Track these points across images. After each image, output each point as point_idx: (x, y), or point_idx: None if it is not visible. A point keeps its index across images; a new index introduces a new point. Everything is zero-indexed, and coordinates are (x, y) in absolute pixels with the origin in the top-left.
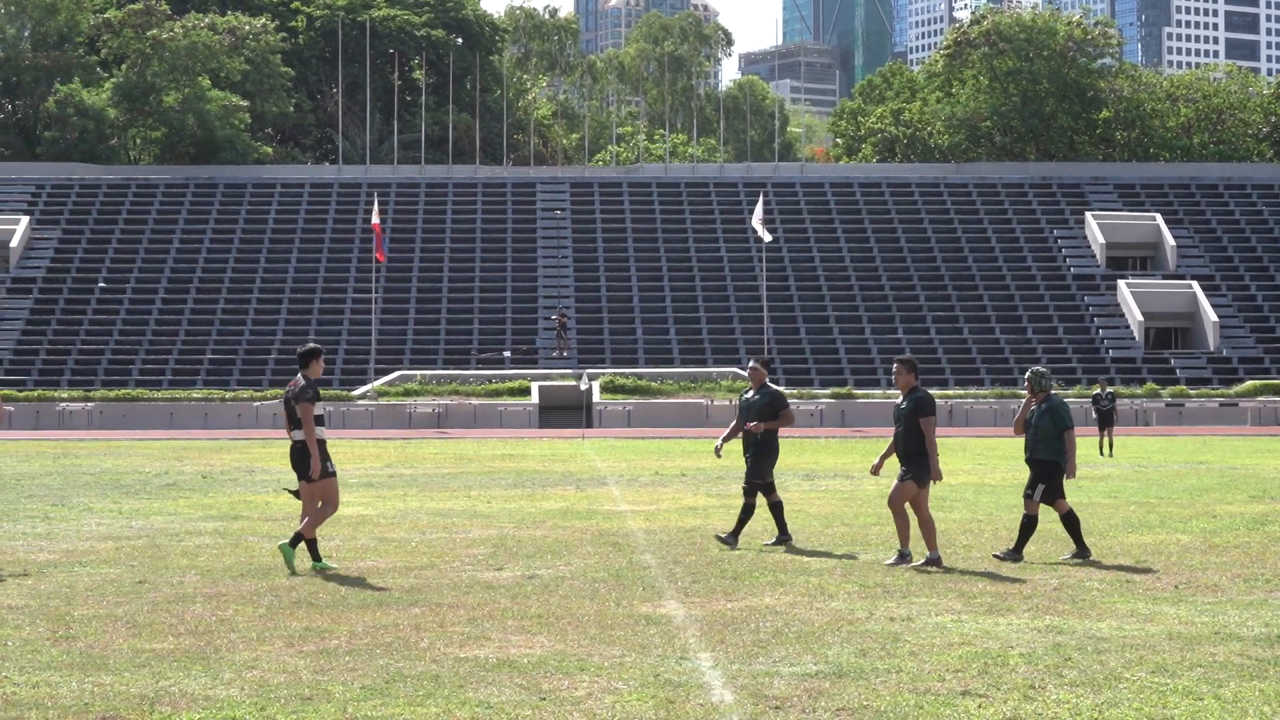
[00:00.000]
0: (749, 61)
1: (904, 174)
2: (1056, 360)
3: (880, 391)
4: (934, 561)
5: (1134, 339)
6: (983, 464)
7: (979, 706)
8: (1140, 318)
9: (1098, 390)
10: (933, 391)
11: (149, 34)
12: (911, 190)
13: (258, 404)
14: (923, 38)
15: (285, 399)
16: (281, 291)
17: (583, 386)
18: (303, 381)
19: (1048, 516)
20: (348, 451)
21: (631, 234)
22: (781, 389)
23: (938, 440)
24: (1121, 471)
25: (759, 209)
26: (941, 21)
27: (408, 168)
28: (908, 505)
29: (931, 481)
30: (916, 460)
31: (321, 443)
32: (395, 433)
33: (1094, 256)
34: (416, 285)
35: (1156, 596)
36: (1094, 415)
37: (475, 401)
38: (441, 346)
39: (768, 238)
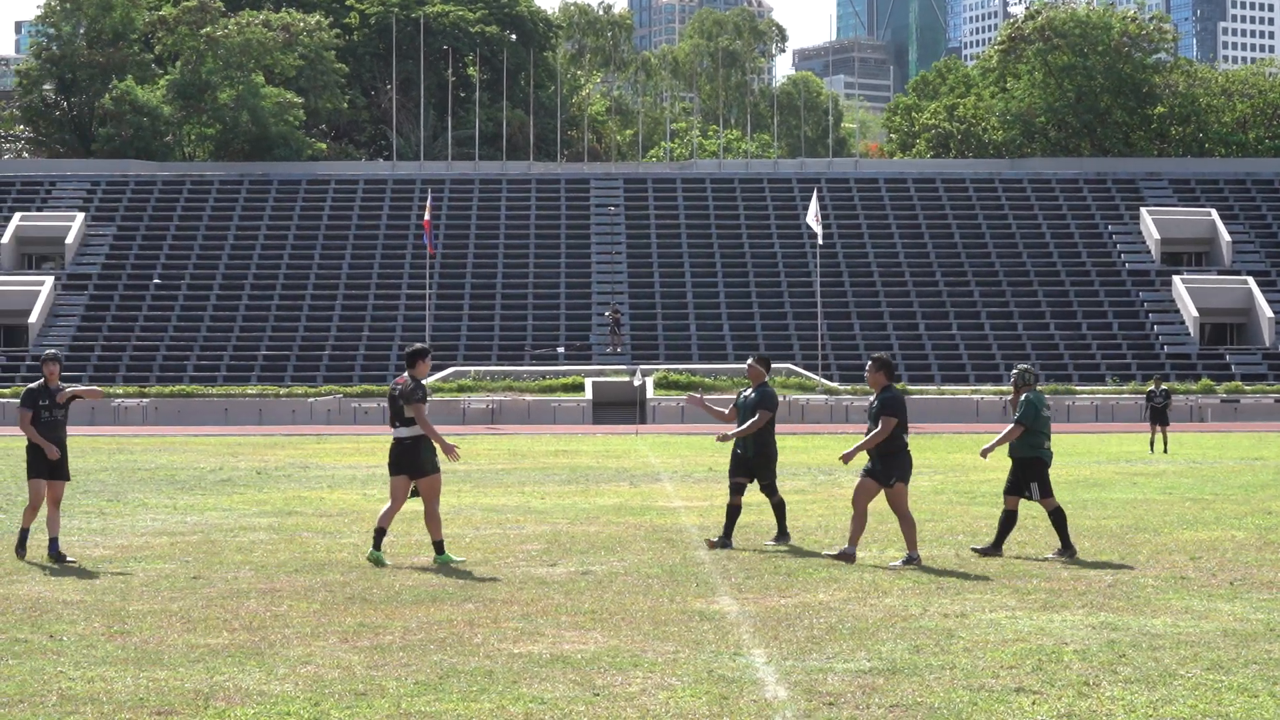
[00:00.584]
0: (803, 57)
1: (958, 169)
2: (1111, 356)
3: (935, 388)
4: (912, 560)
5: (1189, 335)
6: None
7: (1033, 703)
8: (1195, 313)
9: (1152, 387)
10: (988, 388)
11: (204, 31)
12: (966, 186)
13: (312, 400)
14: (977, 33)
15: (391, 396)
16: (336, 288)
17: (636, 382)
18: (410, 381)
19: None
20: None
21: (685, 230)
22: (770, 388)
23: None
24: (1176, 468)
25: (813, 205)
26: (996, 17)
27: (462, 164)
28: (887, 506)
29: (842, 459)
30: (885, 459)
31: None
32: (449, 429)
33: (1149, 252)
34: (471, 281)
35: (1211, 593)
36: (1148, 412)
37: (529, 398)
38: (495, 343)
39: (821, 234)
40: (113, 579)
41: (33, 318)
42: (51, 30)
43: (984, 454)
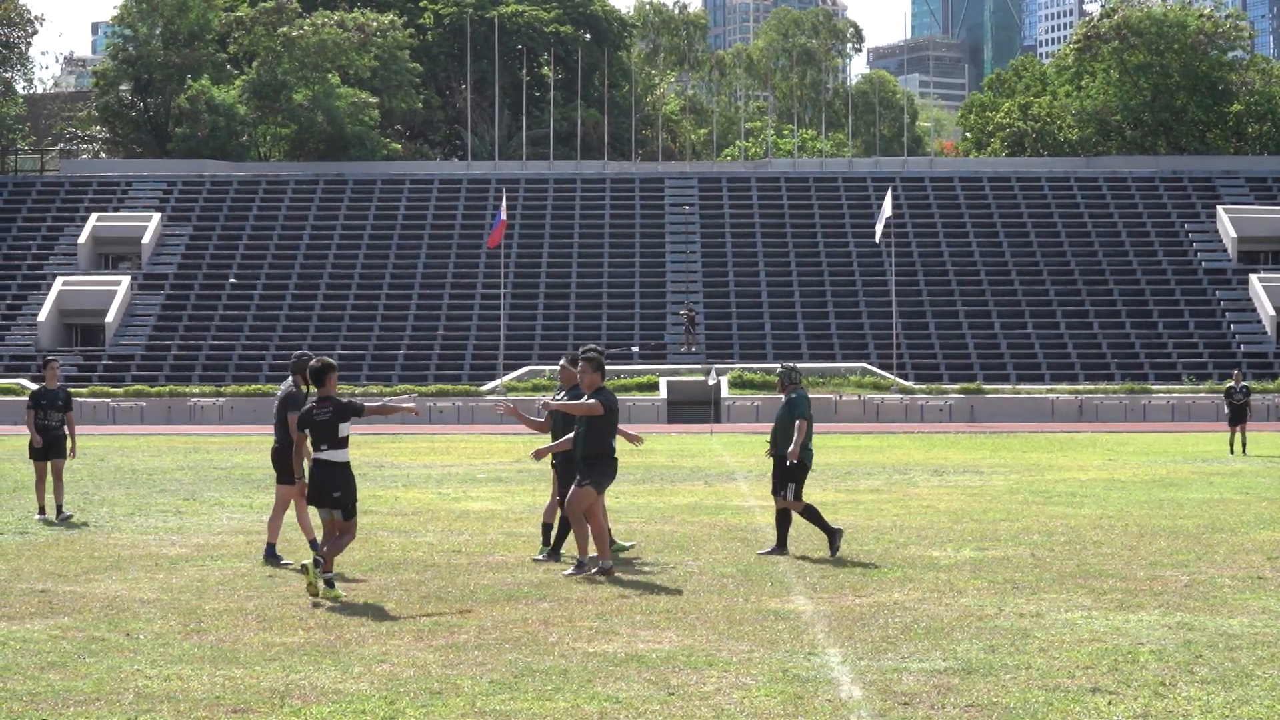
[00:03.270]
0: (877, 56)
1: (1034, 168)
2: (1187, 355)
3: (1010, 387)
4: (584, 567)
5: (1266, 333)
6: (1113, 459)
7: (1109, 704)
8: (1272, 312)
9: (1231, 384)
10: (1062, 386)
11: (279, 31)
12: (1041, 184)
13: (387, 399)
14: (1052, 31)
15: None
16: (410, 287)
17: (711, 382)
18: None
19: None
20: (477, 446)
21: (760, 229)
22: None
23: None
24: (1253, 467)
25: (887, 204)
26: (1071, 15)
27: (536, 163)
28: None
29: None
30: (592, 463)
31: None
32: (524, 428)
33: (1225, 250)
34: (545, 281)
35: None
36: (1226, 410)
37: None
38: (570, 341)
39: (880, 235)
40: (189, 578)
41: (109, 317)
42: (128, 31)
43: (789, 458)
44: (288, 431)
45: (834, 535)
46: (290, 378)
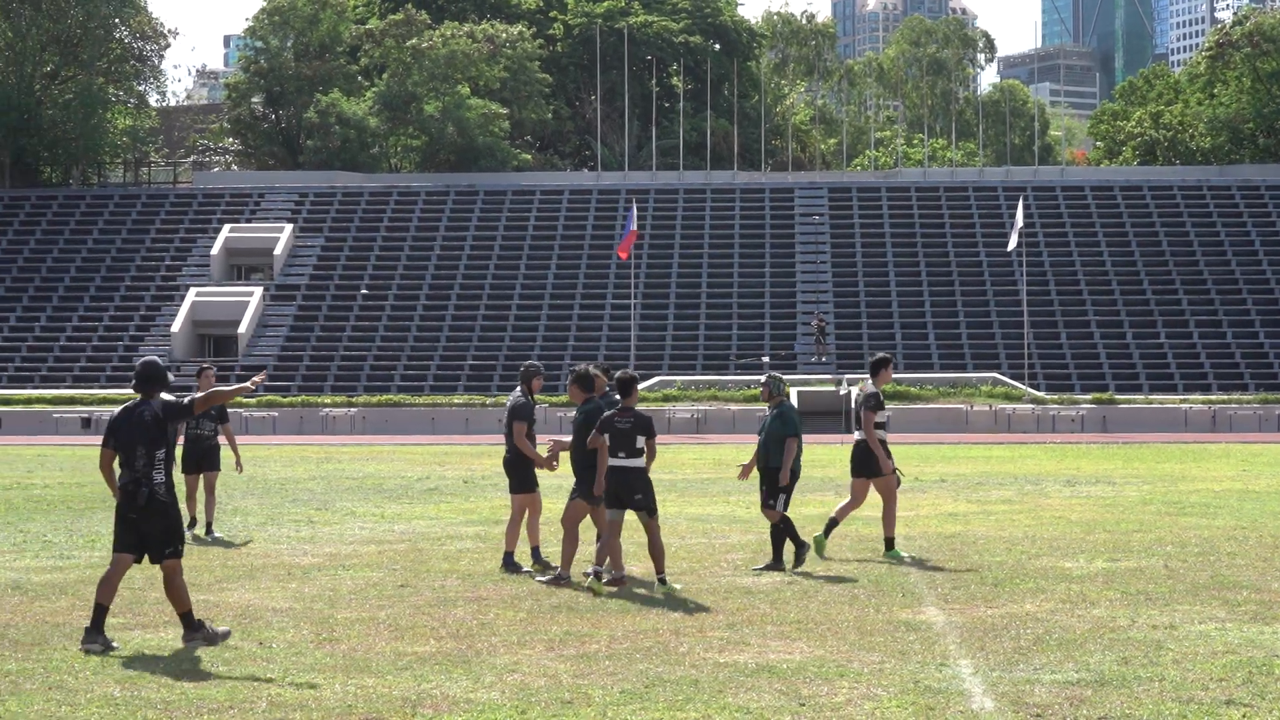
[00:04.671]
0: (1008, 65)
1: (1165, 177)
2: None
3: (1142, 397)
4: (562, 580)
5: None
6: (1247, 470)
7: (1243, 716)
8: None
9: None
10: (1195, 396)
11: (409, 43)
12: (1173, 193)
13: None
14: (1184, 39)
15: (855, 402)
16: (541, 298)
17: (841, 391)
18: (871, 389)
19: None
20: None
21: (890, 238)
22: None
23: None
24: None
25: (1019, 215)
26: (1203, 22)
27: (666, 174)
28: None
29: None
30: (582, 477)
31: (883, 443)
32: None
33: None
34: (675, 291)
35: None
36: None
37: (734, 407)
38: (700, 352)
39: (1013, 244)
40: (321, 587)
41: (242, 328)
42: (260, 44)
43: (781, 478)
44: (516, 441)
45: (801, 549)
46: (519, 388)
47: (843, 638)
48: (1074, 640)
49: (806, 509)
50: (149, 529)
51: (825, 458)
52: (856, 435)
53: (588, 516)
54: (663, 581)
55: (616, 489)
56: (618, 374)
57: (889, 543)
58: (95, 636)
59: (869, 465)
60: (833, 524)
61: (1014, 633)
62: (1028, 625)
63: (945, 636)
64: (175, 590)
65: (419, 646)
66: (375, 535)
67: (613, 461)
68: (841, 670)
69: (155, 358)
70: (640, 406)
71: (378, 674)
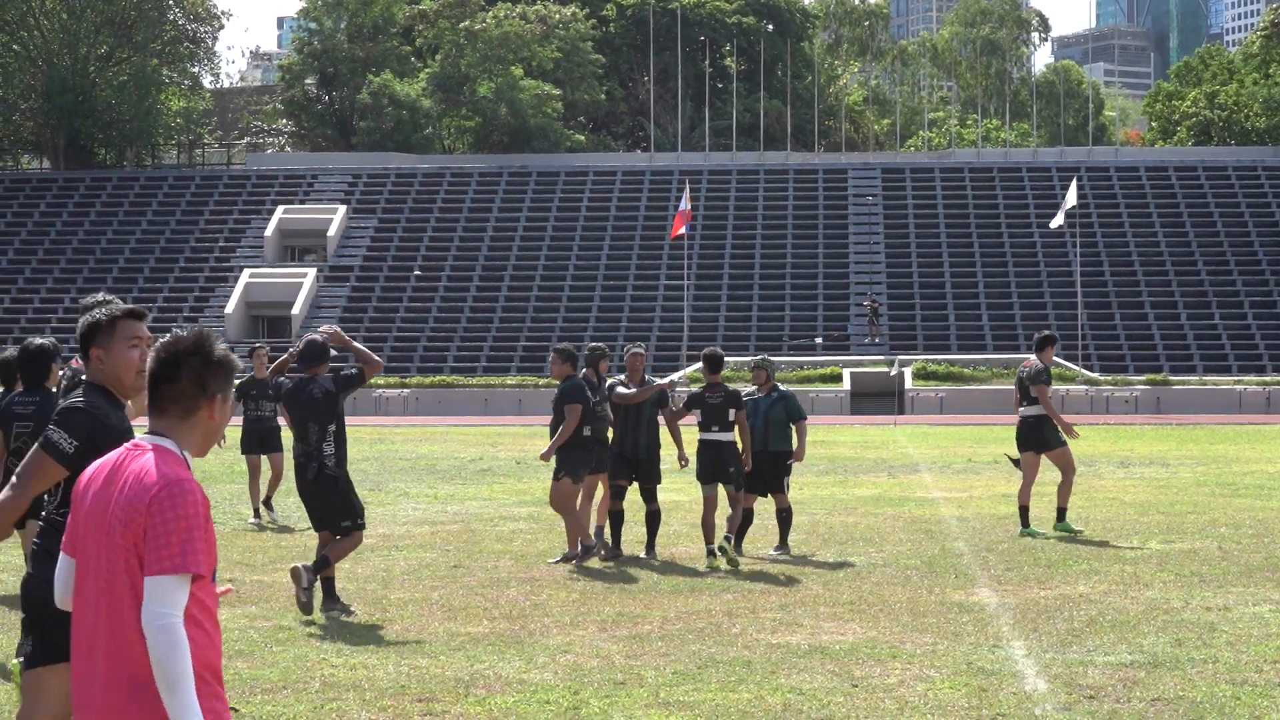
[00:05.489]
0: (1062, 45)
1: (1220, 157)
2: None
3: (1196, 379)
4: (570, 558)
5: None
6: None
7: None
8: None
9: None
10: (1249, 378)
11: (462, 25)
12: (1228, 174)
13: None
14: (1239, 19)
15: (1019, 379)
16: (594, 278)
17: (894, 373)
18: (1039, 364)
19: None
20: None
21: (944, 219)
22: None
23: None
24: None
25: (1072, 194)
26: (1259, 1)
27: (719, 155)
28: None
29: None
30: (565, 456)
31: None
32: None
33: None
34: (728, 272)
35: None
36: None
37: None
38: (753, 332)
39: (1059, 223)
40: (374, 568)
41: (295, 309)
42: (313, 25)
43: (795, 458)
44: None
45: (784, 546)
46: (584, 370)
47: (895, 619)
48: (1127, 622)
49: (859, 490)
50: (319, 504)
51: (879, 439)
52: (1021, 411)
53: (599, 488)
54: (728, 539)
55: (711, 463)
56: (705, 350)
57: (1060, 513)
58: (331, 605)
59: (1041, 439)
60: (1025, 510)
61: (1067, 614)
62: (1081, 607)
63: (998, 618)
64: (335, 553)
65: (472, 627)
66: (428, 516)
67: (705, 436)
68: (894, 651)
69: (315, 336)
70: (694, 387)
71: (431, 654)
